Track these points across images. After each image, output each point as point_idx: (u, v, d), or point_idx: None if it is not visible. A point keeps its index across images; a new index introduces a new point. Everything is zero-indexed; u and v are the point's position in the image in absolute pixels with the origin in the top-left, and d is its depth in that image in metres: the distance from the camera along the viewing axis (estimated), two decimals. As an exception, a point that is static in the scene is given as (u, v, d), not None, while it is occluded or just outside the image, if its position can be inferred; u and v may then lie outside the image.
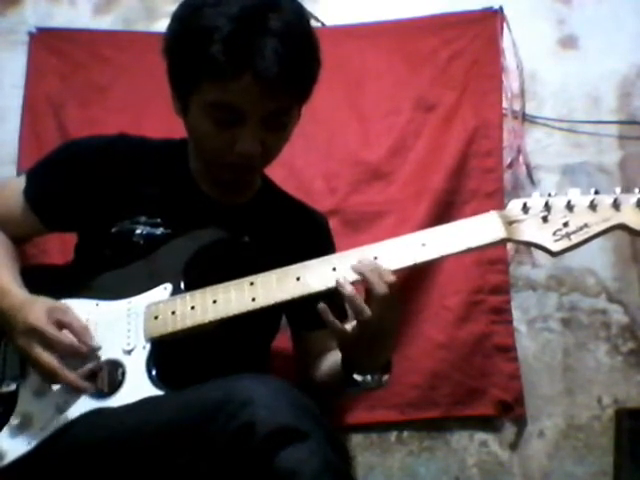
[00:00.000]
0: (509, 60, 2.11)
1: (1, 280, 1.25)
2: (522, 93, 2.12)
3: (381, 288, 1.10)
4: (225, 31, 1.13)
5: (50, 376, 1.14)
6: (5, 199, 1.37)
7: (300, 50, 1.18)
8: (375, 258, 1.14)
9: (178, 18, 1.22)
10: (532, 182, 2.07)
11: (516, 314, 2.00)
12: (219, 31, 1.13)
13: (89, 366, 1.16)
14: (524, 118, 2.11)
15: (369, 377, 1.22)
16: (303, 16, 1.23)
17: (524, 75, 2.12)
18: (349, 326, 1.15)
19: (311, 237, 1.44)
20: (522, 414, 1.95)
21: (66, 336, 1.14)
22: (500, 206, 1.94)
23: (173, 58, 1.22)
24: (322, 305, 1.12)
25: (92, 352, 1.17)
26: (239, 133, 1.20)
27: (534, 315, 2.03)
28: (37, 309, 1.16)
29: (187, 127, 1.28)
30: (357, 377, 1.22)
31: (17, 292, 1.22)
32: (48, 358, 1.12)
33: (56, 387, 1.18)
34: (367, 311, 1.10)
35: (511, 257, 2.02)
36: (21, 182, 1.37)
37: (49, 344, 1.13)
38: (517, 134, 2.09)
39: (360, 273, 1.12)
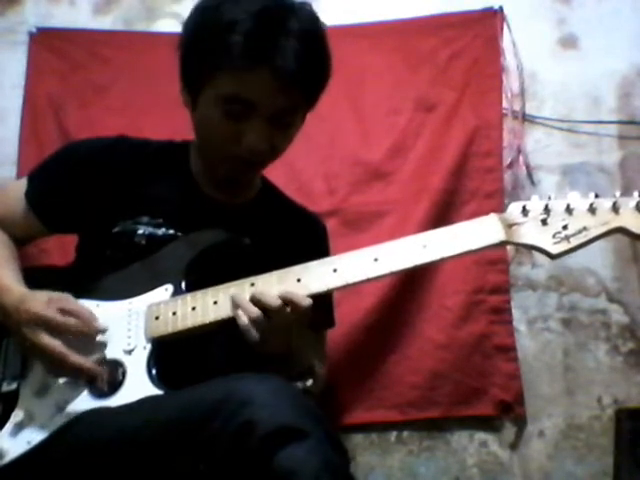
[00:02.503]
0: (509, 60, 2.12)
1: (1, 278, 1.25)
2: (522, 93, 2.12)
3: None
4: (247, 25, 1.17)
5: (59, 361, 1.14)
6: (7, 202, 1.38)
7: (316, 53, 1.24)
8: (298, 280, 1.15)
9: (199, 11, 1.25)
10: (532, 182, 2.07)
11: (516, 314, 2.00)
12: (241, 24, 1.17)
13: (96, 355, 1.17)
14: (524, 118, 2.11)
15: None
16: (319, 21, 1.28)
17: (524, 75, 2.12)
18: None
19: (308, 241, 1.44)
20: (522, 414, 1.95)
21: (71, 320, 1.16)
22: (500, 206, 1.97)
23: (190, 49, 1.25)
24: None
25: (99, 333, 1.18)
26: (247, 127, 1.23)
27: (534, 315, 2.03)
28: (39, 299, 1.17)
29: (194, 120, 1.30)
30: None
31: (17, 288, 1.23)
32: (55, 343, 1.14)
33: (57, 385, 1.18)
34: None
35: (511, 257, 2.02)
36: (22, 184, 1.37)
37: (56, 329, 1.14)
38: (517, 134, 2.09)
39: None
